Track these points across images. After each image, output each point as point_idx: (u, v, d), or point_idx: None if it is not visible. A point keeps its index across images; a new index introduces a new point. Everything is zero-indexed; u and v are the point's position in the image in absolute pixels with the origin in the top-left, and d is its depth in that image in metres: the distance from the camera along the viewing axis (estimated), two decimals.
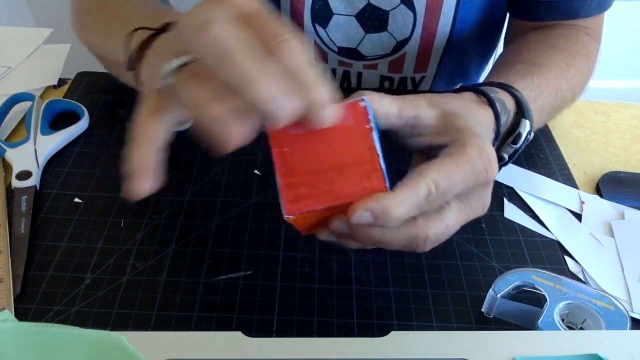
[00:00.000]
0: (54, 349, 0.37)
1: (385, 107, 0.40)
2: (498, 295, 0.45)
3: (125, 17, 0.57)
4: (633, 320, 0.46)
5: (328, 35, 0.72)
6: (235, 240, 0.51)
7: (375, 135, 0.36)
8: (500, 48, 0.85)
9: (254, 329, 0.44)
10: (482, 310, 0.47)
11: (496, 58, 0.73)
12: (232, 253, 0.50)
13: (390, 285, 0.48)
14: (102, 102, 0.67)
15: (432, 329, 0.45)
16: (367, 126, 0.36)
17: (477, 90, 0.49)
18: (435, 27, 0.70)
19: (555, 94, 0.58)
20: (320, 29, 0.72)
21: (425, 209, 0.37)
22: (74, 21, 0.68)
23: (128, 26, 0.51)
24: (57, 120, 0.64)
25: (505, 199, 0.57)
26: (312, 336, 0.44)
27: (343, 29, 0.71)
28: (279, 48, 0.32)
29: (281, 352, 0.38)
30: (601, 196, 0.58)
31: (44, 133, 0.60)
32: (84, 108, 0.63)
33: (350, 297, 0.47)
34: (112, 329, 0.43)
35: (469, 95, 0.49)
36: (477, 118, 0.45)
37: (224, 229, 0.52)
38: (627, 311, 0.43)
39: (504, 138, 0.51)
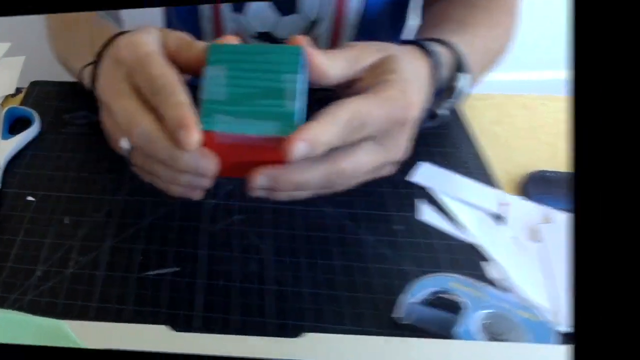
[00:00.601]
0: (10, 332, 0.42)
1: (332, 72, 0.42)
2: (413, 301, 0.43)
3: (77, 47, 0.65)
4: (559, 333, 0.43)
5: (246, 22, 0.73)
6: (163, 238, 0.54)
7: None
8: (409, 23, 0.83)
9: (180, 324, 0.46)
10: (396, 315, 0.44)
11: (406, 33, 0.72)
12: (160, 250, 0.53)
13: (305, 286, 0.49)
14: (53, 108, 0.71)
15: (346, 333, 0.44)
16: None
17: (417, 43, 0.51)
18: (346, 6, 0.71)
19: (485, 52, 0.59)
20: (238, 16, 0.73)
21: (344, 139, 0.39)
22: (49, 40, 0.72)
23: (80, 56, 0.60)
24: (14, 125, 0.68)
25: (421, 201, 0.55)
26: (231, 334, 0.45)
27: (259, 14, 0.72)
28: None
29: (204, 347, 0.41)
30: (527, 197, 0.54)
31: (4, 138, 0.65)
32: (35, 114, 0.68)
33: (267, 296, 0.48)
34: (58, 318, 0.46)
35: (409, 47, 0.50)
36: (414, 68, 0.46)
37: (155, 227, 0.55)
38: (552, 323, 0.42)
39: (442, 93, 0.52)
